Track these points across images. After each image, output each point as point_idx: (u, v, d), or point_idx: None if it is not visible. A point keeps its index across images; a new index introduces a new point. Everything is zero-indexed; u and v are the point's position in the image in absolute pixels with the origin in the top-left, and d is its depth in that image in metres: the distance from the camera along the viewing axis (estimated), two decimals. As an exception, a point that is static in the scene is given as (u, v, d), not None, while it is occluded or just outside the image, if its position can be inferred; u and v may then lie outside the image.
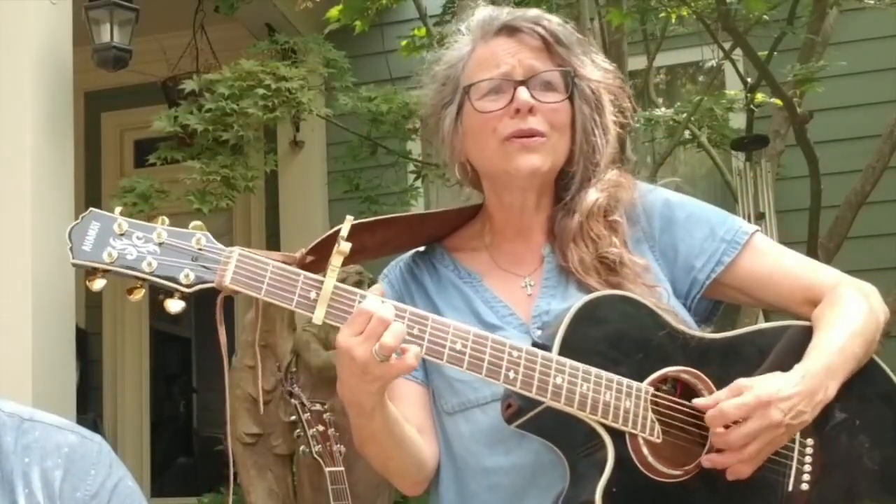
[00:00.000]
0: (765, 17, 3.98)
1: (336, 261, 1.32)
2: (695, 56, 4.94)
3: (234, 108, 3.92)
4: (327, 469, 3.13)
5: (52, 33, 3.76)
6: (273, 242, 5.63)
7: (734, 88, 4.72)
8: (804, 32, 4.08)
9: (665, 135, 4.64)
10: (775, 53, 4.18)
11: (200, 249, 1.32)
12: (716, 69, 4.76)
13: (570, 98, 1.54)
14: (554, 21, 1.57)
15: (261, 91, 3.93)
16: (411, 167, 4.85)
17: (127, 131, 6.42)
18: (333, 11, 4.38)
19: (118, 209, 1.33)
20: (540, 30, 1.54)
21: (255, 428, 3.48)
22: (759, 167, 4.46)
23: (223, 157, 4.03)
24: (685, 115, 4.28)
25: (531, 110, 1.50)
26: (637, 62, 4.44)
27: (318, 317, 1.32)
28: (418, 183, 4.69)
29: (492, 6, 1.61)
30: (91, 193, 6.05)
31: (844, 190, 4.09)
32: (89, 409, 5.77)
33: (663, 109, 4.49)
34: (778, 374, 1.40)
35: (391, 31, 5.10)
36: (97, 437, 1.26)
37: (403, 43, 4.35)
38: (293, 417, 3.28)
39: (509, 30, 1.55)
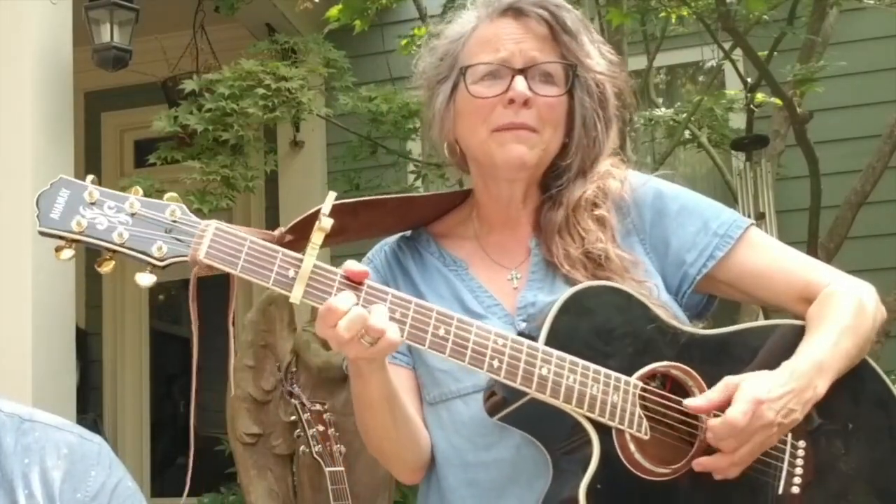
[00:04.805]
0: (765, 17, 3.98)
1: (317, 238, 1.25)
2: (695, 56, 4.94)
3: (234, 108, 3.92)
4: (327, 469, 3.13)
5: (52, 33, 3.76)
6: (273, 242, 5.61)
7: (734, 88, 4.72)
8: (804, 32, 4.07)
9: (665, 135, 4.64)
10: (775, 53, 4.18)
11: (175, 221, 1.24)
12: (716, 69, 4.77)
13: (571, 91, 1.48)
14: (563, 6, 1.49)
15: (261, 91, 3.93)
16: (411, 167, 4.85)
17: (127, 131, 6.41)
18: (333, 11, 4.38)
19: (90, 177, 1.25)
20: (547, 15, 1.46)
21: (255, 428, 3.47)
22: (759, 167, 4.46)
23: (223, 157, 4.03)
24: (685, 115, 4.29)
25: (526, 103, 1.44)
26: (637, 62, 4.43)
27: (296, 296, 1.25)
28: (418, 183, 4.69)
29: None
30: (91, 193, 6.04)
31: (844, 190, 4.09)
32: (89, 409, 5.76)
33: (663, 109, 4.49)
34: (765, 372, 1.37)
35: (391, 31, 5.09)
36: (97, 438, 1.26)
37: (403, 43, 4.35)
38: (293, 417, 3.28)
39: (515, 12, 1.48)
